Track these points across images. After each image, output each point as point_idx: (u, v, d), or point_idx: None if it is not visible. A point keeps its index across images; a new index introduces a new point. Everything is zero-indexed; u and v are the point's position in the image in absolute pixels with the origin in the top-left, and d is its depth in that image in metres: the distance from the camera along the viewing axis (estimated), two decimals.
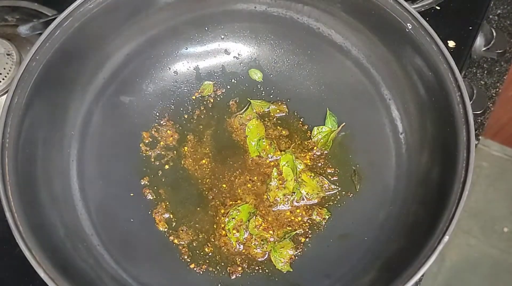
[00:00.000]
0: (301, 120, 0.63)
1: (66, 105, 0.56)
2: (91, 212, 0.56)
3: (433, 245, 0.45)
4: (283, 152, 0.61)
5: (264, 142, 0.61)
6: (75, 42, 0.54)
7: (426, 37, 0.52)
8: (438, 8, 0.69)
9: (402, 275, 0.45)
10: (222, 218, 0.58)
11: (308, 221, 0.58)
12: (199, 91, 0.65)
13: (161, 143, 0.62)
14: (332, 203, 0.58)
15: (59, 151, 0.56)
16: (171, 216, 0.59)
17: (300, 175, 0.60)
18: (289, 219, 0.58)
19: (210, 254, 0.57)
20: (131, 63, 0.61)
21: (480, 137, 0.68)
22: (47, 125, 0.54)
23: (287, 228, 0.58)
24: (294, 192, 0.59)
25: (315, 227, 0.58)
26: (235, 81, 0.66)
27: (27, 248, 0.44)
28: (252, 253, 0.57)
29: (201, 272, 0.56)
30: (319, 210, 0.58)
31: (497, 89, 0.70)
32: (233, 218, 0.57)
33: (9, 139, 0.48)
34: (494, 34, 0.69)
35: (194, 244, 0.57)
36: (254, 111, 0.64)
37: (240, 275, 0.55)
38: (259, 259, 0.56)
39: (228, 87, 0.66)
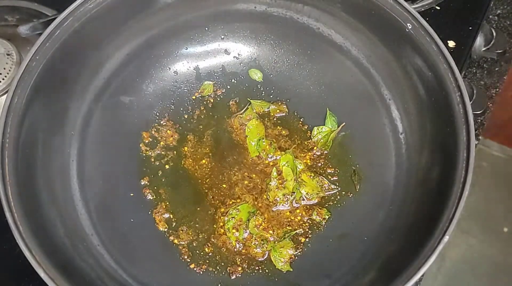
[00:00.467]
0: (301, 120, 0.63)
1: (66, 105, 0.56)
2: (91, 212, 0.56)
3: (433, 245, 0.45)
4: (283, 152, 0.61)
5: (264, 142, 0.61)
6: (75, 42, 0.54)
7: (426, 37, 0.52)
8: (438, 8, 0.69)
9: (402, 275, 0.45)
10: (222, 217, 0.58)
11: (308, 221, 0.58)
12: (199, 91, 0.65)
13: (161, 143, 0.62)
14: (332, 203, 0.58)
15: (59, 151, 0.56)
16: (171, 216, 0.59)
17: (300, 175, 0.60)
18: (289, 219, 0.58)
19: (210, 254, 0.57)
20: (131, 63, 0.61)
21: (480, 137, 0.68)
22: (47, 125, 0.54)
23: (287, 228, 0.58)
24: (294, 192, 0.59)
25: (315, 227, 0.58)
26: (235, 81, 0.66)
27: (27, 248, 0.44)
28: (252, 253, 0.57)
29: (201, 272, 0.56)
30: (319, 210, 0.58)
31: (497, 89, 0.69)
32: (232, 217, 0.57)
33: (9, 139, 0.48)
34: (494, 34, 0.69)
35: (194, 244, 0.57)
36: (254, 111, 0.64)
37: (240, 275, 0.55)
38: (259, 259, 0.56)
39: (228, 87, 0.66)
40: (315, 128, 0.62)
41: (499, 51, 0.69)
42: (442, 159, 0.51)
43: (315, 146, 0.62)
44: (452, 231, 0.45)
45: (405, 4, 0.53)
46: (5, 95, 0.54)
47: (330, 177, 0.60)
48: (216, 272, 0.56)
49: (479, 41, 0.69)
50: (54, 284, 0.44)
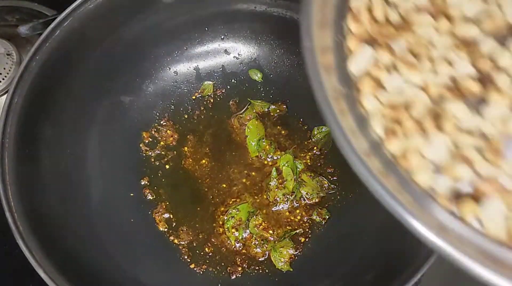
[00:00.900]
0: (301, 120, 0.63)
1: (66, 105, 0.56)
2: (91, 212, 0.56)
3: None
4: (283, 152, 0.61)
5: (264, 142, 0.61)
6: (75, 42, 0.54)
7: None
8: None
9: (402, 275, 0.45)
10: (221, 216, 0.58)
11: (308, 221, 0.58)
12: (199, 91, 0.65)
13: (161, 143, 0.62)
14: (332, 203, 0.58)
15: (59, 151, 0.56)
16: (171, 216, 0.59)
17: (300, 175, 0.60)
18: (289, 219, 0.58)
19: (210, 254, 0.57)
20: (131, 63, 0.62)
21: None
22: (47, 125, 0.54)
23: (287, 227, 0.58)
24: (294, 192, 0.59)
25: (315, 227, 0.58)
26: (235, 81, 0.66)
27: (27, 248, 0.44)
28: (252, 253, 0.57)
29: (201, 272, 0.56)
30: (319, 210, 0.58)
31: None
32: (232, 216, 0.57)
33: (9, 139, 0.48)
34: None
35: (194, 244, 0.57)
36: (254, 111, 0.64)
37: (240, 275, 0.55)
38: (259, 259, 0.56)
39: (228, 87, 0.66)
40: (315, 128, 0.62)
41: None
42: None
43: (315, 146, 0.62)
44: None
45: None
46: (5, 95, 0.54)
47: (330, 177, 0.60)
48: (216, 272, 0.56)
49: None
50: (54, 284, 0.44)
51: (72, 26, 0.53)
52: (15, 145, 0.49)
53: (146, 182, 0.60)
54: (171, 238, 0.57)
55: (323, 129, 0.62)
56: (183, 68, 0.65)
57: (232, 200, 0.59)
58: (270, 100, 0.65)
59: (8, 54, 0.62)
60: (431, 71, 0.31)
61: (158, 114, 0.64)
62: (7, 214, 0.45)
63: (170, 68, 0.64)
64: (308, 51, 0.31)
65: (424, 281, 0.57)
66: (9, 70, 0.62)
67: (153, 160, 0.62)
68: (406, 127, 0.31)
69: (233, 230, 0.57)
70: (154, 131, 0.63)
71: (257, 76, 0.65)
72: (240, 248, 0.57)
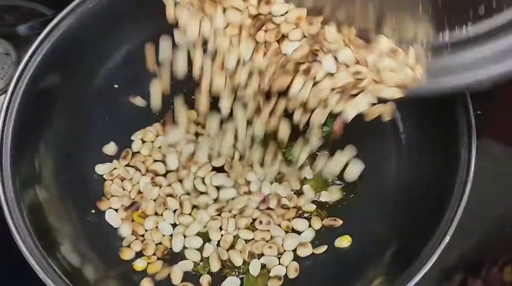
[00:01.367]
0: None
1: (65, 105, 0.56)
2: (91, 212, 0.56)
3: (433, 245, 0.45)
4: None
5: None
6: (74, 41, 0.54)
7: None
8: None
9: (403, 275, 0.45)
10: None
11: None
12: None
13: None
14: (332, 203, 0.58)
15: (59, 151, 0.55)
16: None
17: None
18: None
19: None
20: (131, 63, 0.61)
21: (481, 137, 0.68)
22: (46, 125, 0.54)
23: None
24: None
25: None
26: None
27: (27, 248, 0.44)
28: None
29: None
30: (319, 211, 0.58)
31: (498, 89, 0.69)
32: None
33: (8, 139, 0.48)
34: None
35: None
36: None
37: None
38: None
39: None
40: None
41: None
42: (443, 159, 0.51)
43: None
44: (453, 232, 0.45)
45: None
46: (4, 95, 0.54)
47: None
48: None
49: None
50: (54, 284, 0.44)
51: (71, 26, 0.53)
52: (14, 145, 0.49)
53: None
54: None
55: (324, 129, 0.62)
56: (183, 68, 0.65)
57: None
58: None
59: (6, 54, 0.62)
60: None
61: (157, 114, 0.63)
62: (7, 214, 0.45)
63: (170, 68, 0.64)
64: None
65: (424, 281, 0.57)
66: (8, 70, 0.62)
67: None
68: None
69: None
70: None
71: None
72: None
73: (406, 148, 0.58)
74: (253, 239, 0.55)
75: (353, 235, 0.55)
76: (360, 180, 0.59)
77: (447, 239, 0.44)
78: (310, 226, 0.56)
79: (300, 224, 0.56)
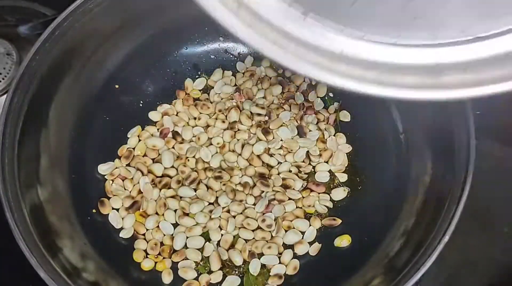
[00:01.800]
0: None
1: (66, 105, 0.56)
2: (91, 212, 0.56)
3: (433, 245, 0.45)
4: None
5: None
6: (75, 42, 0.54)
7: None
8: None
9: (402, 275, 0.45)
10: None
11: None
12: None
13: None
14: (332, 203, 0.58)
15: (59, 151, 0.56)
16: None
17: None
18: None
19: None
20: (131, 63, 0.62)
21: (480, 137, 0.68)
22: (47, 125, 0.54)
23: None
24: None
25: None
26: None
27: (27, 248, 0.44)
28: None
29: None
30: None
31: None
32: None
33: (9, 139, 0.48)
34: None
35: None
36: None
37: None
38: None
39: None
40: None
41: None
42: (442, 159, 0.51)
43: None
44: (452, 231, 0.45)
45: None
46: (5, 95, 0.54)
47: None
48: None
49: None
50: (54, 284, 0.44)
51: (72, 26, 0.53)
52: (15, 145, 0.49)
53: None
54: None
55: None
56: (183, 68, 0.65)
57: None
58: None
59: (8, 54, 0.62)
60: None
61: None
62: (7, 214, 0.45)
63: (170, 68, 0.64)
64: None
65: (424, 281, 0.57)
66: (9, 70, 0.62)
67: None
68: None
69: None
70: None
71: None
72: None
73: (406, 148, 0.58)
74: (253, 238, 0.55)
75: (352, 235, 0.55)
76: (360, 180, 0.59)
77: (446, 238, 0.44)
78: (310, 225, 0.56)
79: (300, 223, 0.56)
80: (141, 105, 0.63)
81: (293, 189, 0.57)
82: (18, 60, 0.62)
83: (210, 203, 0.57)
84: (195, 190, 0.57)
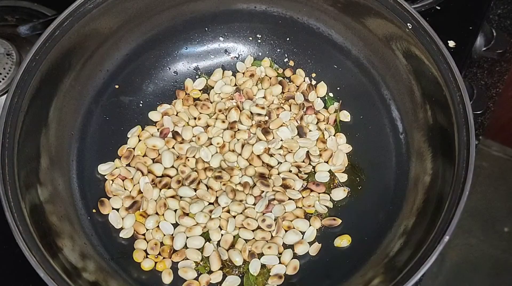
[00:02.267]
0: None
1: (66, 105, 0.56)
2: (91, 212, 0.56)
3: (433, 245, 0.45)
4: None
5: None
6: (75, 42, 0.54)
7: (426, 37, 0.52)
8: (438, 8, 0.69)
9: (402, 275, 0.45)
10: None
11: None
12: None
13: None
14: (332, 203, 0.58)
15: (59, 151, 0.56)
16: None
17: None
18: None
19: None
20: (131, 63, 0.62)
21: (480, 137, 0.68)
22: (47, 125, 0.54)
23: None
24: None
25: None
26: None
27: (27, 248, 0.44)
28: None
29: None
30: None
31: (498, 89, 0.69)
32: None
33: (9, 139, 0.48)
34: (494, 34, 0.69)
35: None
36: None
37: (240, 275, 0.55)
38: None
39: None
40: None
41: (500, 51, 0.69)
42: (442, 159, 0.51)
43: None
44: (452, 231, 0.45)
45: (405, 4, 0.53)
46: (5, 95, 0.54)
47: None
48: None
49: (480, 41, 0.69)
50: (54, 284, 0.44)
51: (72, 26, 0.53)
52: (15, 145, 0.49)
53: None
54: None
55: None
56: (183, 68, 0.65)
57: None
58: None
59: (8, 54, 0.62)
60: None
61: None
62: (7, 214, 0.45)
63: (170, 68, 0.64)
64: None
65: (424, 281, 0.57)
66: (9, 70, 0.62)
67: None
68: None
69: None
70: None
71: None
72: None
73: (406, 148, 0.58)
74: (253, 238, 0.55)
75: (352, 235, 0.55)
76: (360, 180, 0.59)
77: (446, 238, 0.44)
78: (310, 225, 0.56)
79: (300, 223, 0.56)
80: (141, 105, 0.63)
81: (293, 189, 0.57)
82: (18, 60, 0.62)
83: (210, 203, 0.57)
84: (195, 190, 0.57)
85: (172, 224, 0.56)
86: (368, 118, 0.61)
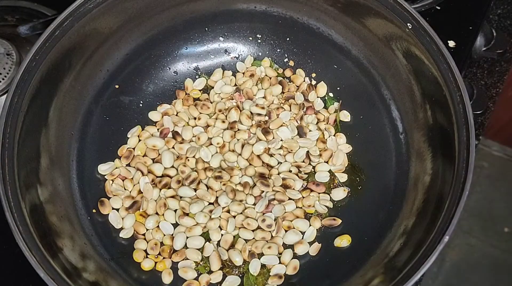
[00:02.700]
0: None
1: (66, 105, 0.56)
2: (91, 212, 0.56)
3: (433, 245, 0.45)
4: None
5: None
6: (75, 42, 0.54)
7: (426, 37, 0.52)
8: (438, 8, 0.69)
9: (402, 275, 0.45)
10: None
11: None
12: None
13: None
14: (332, 203, 0.58)
15: (59, 151, 0.56)
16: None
17: None
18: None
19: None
20: (131, 63, 0.62)
21: (480, 137, 0.68)
22: (47, 125, 0.54)
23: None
24: None
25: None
26: None
27: (27, 248, 0.44)
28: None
29: None
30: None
31: (498, 89, 0.69)
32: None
33: (9, 139, 0.48)
34: (494, 34, 0.69)
35: None
36: None
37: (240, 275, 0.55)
38: None
39: None
40: None
41: (500, 51, 0.69)
42: (442, 159, 0.51)
43: None
44: (452, 231, 0.45)
45: (405, 4, 0.53)
46: (5, 95, 0.54)
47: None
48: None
49: (480, 41, 0.69)
50: (54, 284, 0.44)
51: (72, 26, 0.53)
52: (15, 145, 0.49)
53: None
54: None
55: None
56: (183, 68, 0.65)
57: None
58: None
59: (8, 54, 0.62)
60: None
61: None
62: (7, 214, 0.45)
63: (170, 68, 0.64)
64: None
65: (424, 281, 0.57)
66: (9, 70, 0.62)
67: None
68: None
69: None
70: None
71: None
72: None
73: (406, 148, 0.58)
74: (253, 238, 0.55)
75: (352, 234, 0.55)
76: (360, 180, 0.59)
77: (446, 238, 0.44)
78: (310, 225, 0.56)
79: (300, 223, 0.56)
80: (141, 105, 0.63)
81: (293, 189, 0.57)
82: (18, 60, 0.62)
83: (210, 203, 0.57)
84: (195, 190, 0.57)
85: (172, 224, 0.56)
86: (368, 118, 0.61)
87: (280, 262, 0.54)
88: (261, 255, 0.54)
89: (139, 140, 0.60)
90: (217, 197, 0.56)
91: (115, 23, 0.58)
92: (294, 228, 0.56)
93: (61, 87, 0.55)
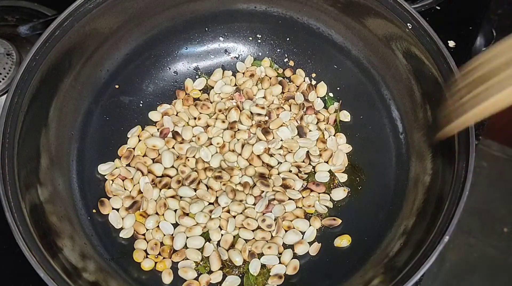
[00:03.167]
0: None
1: (66, 105, 0.56)
2: (91, 212, 0.56)
3: (433, 245, 0.45)
4: None
5: None
6: (75, 42, 0.54)
7: (426, 37, 0.52)
8: (438, 8, 0.69)
9: (402, 275, 0.45)
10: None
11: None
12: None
13: None
14: (332, 203, 0.58)
15: (59, 151, 0.56)
16: None
17: None
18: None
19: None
20: (131, 63, 0.62)
21: (480, 137, 0.68)
22: (47, 125, 0.54)
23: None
24: None
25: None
26: None
27: (27, 248, 0.44)
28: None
29: None
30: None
31: None
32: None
33: (9, 139, 0.48)
34: (494, 34, 0.69)
35: None
36: None
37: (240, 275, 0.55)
38: None
39: None
40: None
41: None
42: (442, 159, 0.51)
43: None
44: (452, 231, 0.45)
45: (405, 4, 0.53)
46: (5, 95, 0.54)
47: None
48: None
49: (480, 41, 0.69)
50: (54, 284, 0.44)
51: (72, 26, 0.53)
52: (15, 145, 0.49)
53: None
54: None
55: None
56: (183, 68, 0.65)
57: None
58: None
59: (8, 54, 0.62)
60: None
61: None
62: (7, 214, 0.45)
63: (170, 68, 0.64)
64: None
65: (424, 281, 0.57)
66: (9, 70, 0.62)
67: None
68: None
69: None
70: None
71: None
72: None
73: (406, 148, 0.58)
74: (253, 238, 0.55)
75: (352, 235, 0.55)
76: (360, 180, 0.59)
77: (446, 238, 0.44)
78: (310, 225, 0.56)
79: (300, 223, 0.56)
80: (141, 105, 0.63)
81: (293, 189, 0.57)
82: (18, 60, 0.62)
83: (210, 203, 0.57)
84: (195, 190, 0.57)
85: (172, 224, 0.56)
86: (368, 118, 0.61)
87: (280, 262, 0.54)
88: (261, 255, 0.54)
89: (139, 140, 0.60)
90: (217, 197, 0.56)
91: (115, 23, 0.58)
92: (294, 228, 0.56)
93: (61, 87, 0.55)
